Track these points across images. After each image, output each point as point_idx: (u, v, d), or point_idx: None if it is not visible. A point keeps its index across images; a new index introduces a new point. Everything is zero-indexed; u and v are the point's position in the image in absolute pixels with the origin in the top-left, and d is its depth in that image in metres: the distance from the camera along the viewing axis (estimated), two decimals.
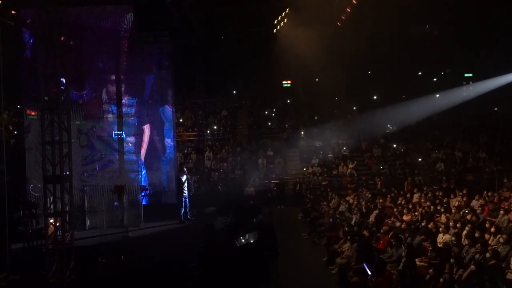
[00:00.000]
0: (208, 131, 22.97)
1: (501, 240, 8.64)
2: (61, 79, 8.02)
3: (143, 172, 15.06)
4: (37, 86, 10.94)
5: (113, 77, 13.81)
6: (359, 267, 8.23)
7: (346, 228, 10.78)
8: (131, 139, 13.84)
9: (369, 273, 7.69)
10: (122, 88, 13.81)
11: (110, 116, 13.76)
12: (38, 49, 7.78)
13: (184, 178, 14.38)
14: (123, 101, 13.78)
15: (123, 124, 13.76)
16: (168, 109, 15.70)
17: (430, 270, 7.99)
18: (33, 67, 12.57)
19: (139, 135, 14.84)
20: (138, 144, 14.65)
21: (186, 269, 8.28)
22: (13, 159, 12.79)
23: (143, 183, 14.74)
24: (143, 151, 15.26)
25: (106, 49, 13.64)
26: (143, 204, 14.33)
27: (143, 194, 14.00)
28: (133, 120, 13.91)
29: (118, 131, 13.77)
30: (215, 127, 23.28)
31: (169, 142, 15.80)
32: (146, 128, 15.39)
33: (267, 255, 9.63)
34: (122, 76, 13.81)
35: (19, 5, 12.87)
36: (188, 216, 14.25)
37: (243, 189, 18.07)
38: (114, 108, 13.83)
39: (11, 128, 19.37)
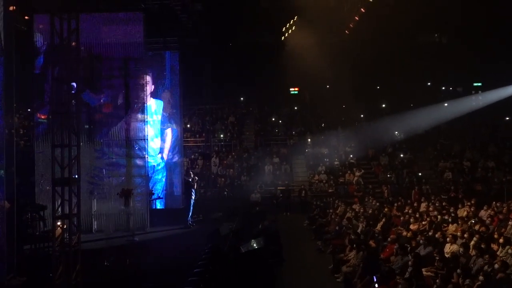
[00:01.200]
0: (216, 135, 23.05)
1: (510, 251, 8.52)
2: (72, 83, 8.15)
3: (164, 175, 15.26)
4: (48, 89, 11.13)
5: (124, 81, 14.03)
6: (366, 280, 8.12)
7: (352, 236, 10.72)
8: (142, 144, 13.99)
9: (376, 286, 7.57)
10: (138, 94, 14.02)
11: (121, 120, 13.99)
12: (50, 54, 7.91)
13: (191, 181, 14.56)
14: (139, 106, 14.00)
15: (136, 129, 13.96)
16: (163, 115, 15.86)
17: (437, 280, 7.89)
18: (45, 71, 12.80)
19: (162, 138, 15.16)
20: (162, 148, 15.13)
21: (191, 274, 8.29)
22: (23, 162, 12.98)
23: (163, 185, 14.99)
24: (165, 152, 15.47)
25: (116, 54, 13.87)
26: (153, 208, 14.49)
27: (150, 198, 14.11)
28: (142, 125, 14.07)
29: (127, 135, 13.96)
30: (222, 135, 23.33)
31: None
32: (168, 132, 15.59)
33: (272, 261, 9.59)
34: (133, 82, 14.01)
35: (32, 11, 13.12)
36: (189, 223, 14.32)
37: (249, 195, 18.07)
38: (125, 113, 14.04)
39: (21, 131, 19.62)
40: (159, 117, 15.36)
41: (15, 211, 9.49)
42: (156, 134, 15.21)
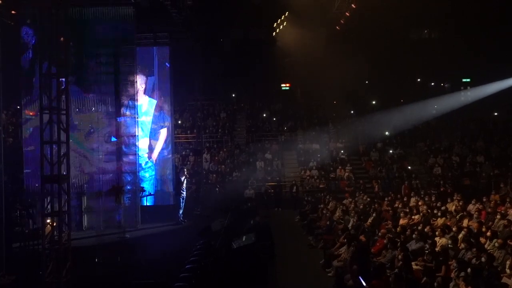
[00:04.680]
0: (207, 131, 23.00)
1: (496, 244, 8.68)
2: (61, 79, 8.05)
3: (153, 173, 15.18)
4: (37, 85, 10.98)
5: (114, 78, 13.89)
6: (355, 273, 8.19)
7: (343, 231, 10.80)
8: (130, 140, 13.89)
9: (364, 284, 7.61)
10: (128, 90, 13.90)
11: (110, 117, 13.86)
12: (39, 49, 7.80)
13: (183, 178, 14.52)
14: (128, 102, 13.90)
15: (125, 126, 13.85)
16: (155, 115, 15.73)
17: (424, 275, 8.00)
18: (34, 66, 12.61)
19: (155, 136, 15.04)
20: (151, 146, 14.79)
21: (183, 270, 8.29)
22: (11, 159, 12.81)
23: (152, 184, 14.89)
24: (155, 153, 15.36)
25: (106, 50, 13.72)
26: (144, 205, 14.42)
27: (141, 195, 14.04)
28: (132, 122, 13.97)
29: (117, 132, 13.85)
30: (214, 131, 23.25)
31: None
32: (163, 132, 15.49)
33: (263, 257, 9.63)
34: (123, 78, 13.88)
35: (19, 5, 12.89)
36: (181, 219, 14.31)
37: (242, 191, 18.07)
38: (115, 110, 13.92)
39: (10, 128, 19.35)
40: (149, 117, 15.24)
41: (4, 209, 9.37)
42: (145, 134, 15.08)
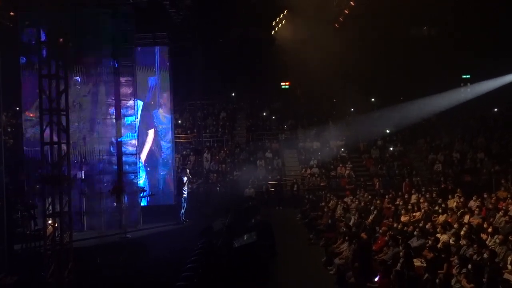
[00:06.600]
0: (207, 131, 23.01)
1: (498, 240, 8.68)
2: (61, 80, 8.06)
3: (143, 174, 15.13)
4: (36, 87, 10.97)
5: (114, 79, 13.88)
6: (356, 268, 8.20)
7: (344, 229, 10.82)
8: (132, 141, 13.89)
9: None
10: (127, 90, 13.88)
11: (109, 118, 13.84)
12: (38, 49, 7.81)
13: (185, 179, 14.51)
14: (127, 103, 13.86)
15: (125, 127, 13.83)
16: (160, 113, 15.70)
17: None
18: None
19: (141, 137, 14.96)
20: (139, 147, 14.75)
21: (184, 270, 8.30)
22: (11, 161, 12.83)
23: (142, 185, 14.82)
24: (144, 154, 15.30)
25: (105, 50, 13.72)
26: (143, 205, 14.41)
27: (141, 195, 14.04)
28: (134, 123, 13.97)
29: (117, 133, 13.85)
30: (214, 131, 23.24)
31: (164, 144, 15.81)
32: (151, 132, 15.44)
33: (265, 255, 9.64)
34: (122, 79, 13.87)
35: (18, 6, 12.90)
36: (182, 219, 14.31)
37: (243, 190, 18.08)
38: (114, 111, 13.91)
39: (9, 129, 19.36)
40: (137, 120, 15.21)
41: (5, 210, 9.39)
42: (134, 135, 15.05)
